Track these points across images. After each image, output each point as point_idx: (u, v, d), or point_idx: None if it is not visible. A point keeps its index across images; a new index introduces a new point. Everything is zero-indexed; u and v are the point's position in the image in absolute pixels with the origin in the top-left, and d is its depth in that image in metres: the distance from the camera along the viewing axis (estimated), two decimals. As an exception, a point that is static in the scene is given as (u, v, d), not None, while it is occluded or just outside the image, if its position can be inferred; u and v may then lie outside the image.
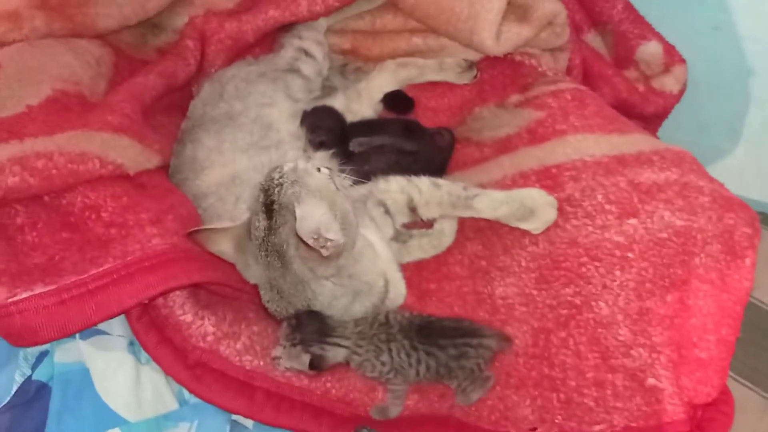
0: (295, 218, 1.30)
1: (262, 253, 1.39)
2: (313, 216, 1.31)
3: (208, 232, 1.44)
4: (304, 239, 1.30)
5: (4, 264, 1.28)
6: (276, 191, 1.36)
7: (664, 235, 1.49)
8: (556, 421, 1.49)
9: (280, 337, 1.41)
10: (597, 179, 1.59)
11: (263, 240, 1.38)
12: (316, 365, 1.38)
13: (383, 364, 1.41)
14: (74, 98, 1.58)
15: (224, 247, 1.45)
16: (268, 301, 1.46)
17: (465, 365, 1.44)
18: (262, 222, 1.37)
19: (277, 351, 1.41)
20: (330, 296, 1.43)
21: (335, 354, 1.40)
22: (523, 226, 1.60)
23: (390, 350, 1.41)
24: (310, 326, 1.40)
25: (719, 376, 1.45)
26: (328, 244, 1.32)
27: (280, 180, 1.37)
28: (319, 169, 1.42)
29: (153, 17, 1.93)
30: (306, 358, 1.37)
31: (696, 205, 1.51)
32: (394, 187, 1.63)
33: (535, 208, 1.58)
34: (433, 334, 1.44)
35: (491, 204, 1.61)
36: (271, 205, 1.36)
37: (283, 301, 1.43)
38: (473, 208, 1.61)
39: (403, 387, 1.46)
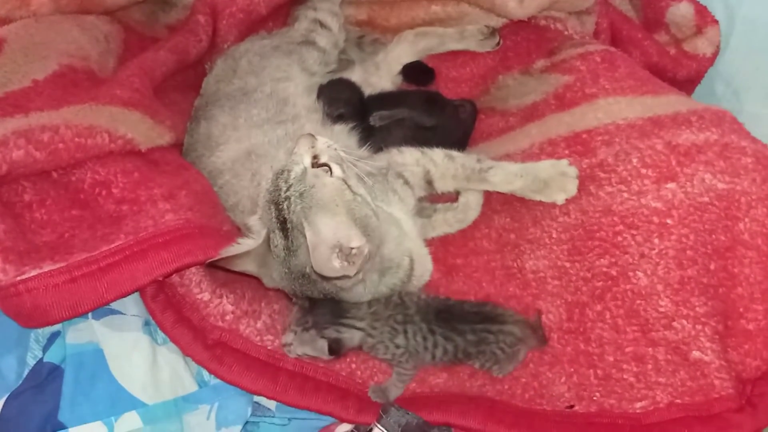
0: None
1: (286, 270, 1.32)
2: (327, 234, 1.23)
3: (229, 257, 1.35)
4: (323, 271, 1.24)
5: (11, 242, 1.23)
6: (285, 206, 1.29)
7: (706, 199, 1.42)
8: (594, 398, 1.42)
9: (291, 322, 1.35)
10: (631, 142, 1.51)
11: (284, 259, 1.31)
12: (335, 350, 1.32)
13: (397, 346, 1.35)
14: (82, 73, 1.53)
15: (248, 267, 1.37)
16: (295, 299, 1.40)
17: (485, 350, 1.37)
18: (280, 241, 1.30)
19: (288, 337, 1.35)
20: (361, 292, 1.38)
21: (351, 336, 1.34)
22: (541, 198, 1.55)
23: (406, 332, 1.35)
24: (323, 308, 1.34)
25: (769, 348, 1.38)
26: (353, 252, 1.24)
27: (288, 193, 1.29)
28: (330, 170, 1.32)
29: (162, -8, 1.88)
30: (323, 344, 1.31)
31: (739, 166, 1.43)
32: (410, 160, 1.57)
33: (549, 180, 1.53)
34: (453, 318, 1.38)
35: (506, 177, 1.55)
36: (284, 222, 1.29)
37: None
38: (488, 181, 1.56)
39: (411, 371, 1.39)
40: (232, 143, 1.65)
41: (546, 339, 1.45)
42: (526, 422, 1.39)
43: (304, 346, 1.33)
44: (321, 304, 1.35)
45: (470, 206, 1.65)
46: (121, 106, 1.47)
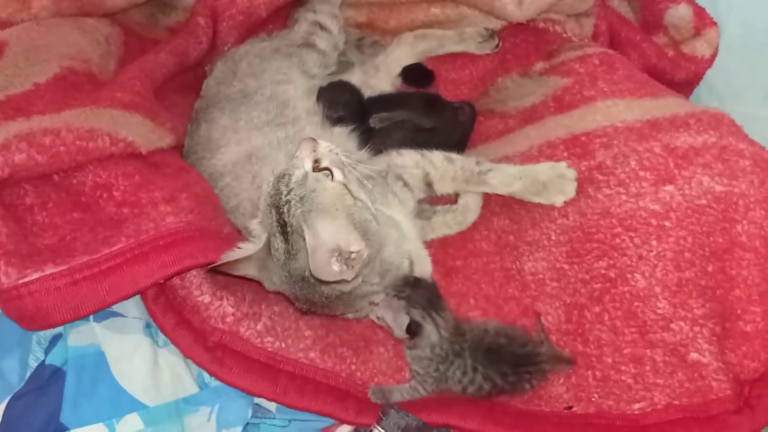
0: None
1: (286, 274, 1.34)
2: (326, 238, 1.24)
3: (230, 262, 1.35)
4: (320, 275, 1.24)
5: (13, 245, 1.23)
6: (285, 209, 1.30)
7: (703, 201, 1.42)
8: (593, 399, 1.43)
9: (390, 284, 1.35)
10: (630, 145, 1.52)
11: (285, 262, 1.32)
12: (412, 331, 1.32)
13: (436, 370, 1.35)
14: (83, 76, 1.54)
15: (249, 271, 1.38)
16: (297, 305, 1.41)
17: (517, 387, 1.39)
18: (280, 245, 1.32)
19: (379, 296, 1.35)
20: (363, 294, 1.39)
21: (430, 332, 1.33)
22: (539, 200, 1.55)
23: (452, 363, 1.35)
24: (424, 290, 1.35)
25: (767, 349, 1.38)
26: (352, 256, 1.25)
27: (288, 197, 1.30)
28: (332, 174, 1.34)
29: (163, -5, 1.89)
30: (405, 320, 1.32)
31: (736, 169, 1.44)
32: (409, 162, 1.58)
33: (548, 183, 1.54)
34: (501, 360, 1.36)
35: (505, 179, 1.56)
36: (285, 226, 1.30)
37: (315, 307, 1.39)
38: (487, 183, 1.57)
39: (427, 393, 1.39)
40: (232, 145, 1.65)
41: (573, 361, 1.44)
42: (524, 423, 1.39)
43: (387, 311, 1.34)
44: (424, 286, 1.36)
45: (469, 208, 1.65)
46: (122, 109, 1.47)
